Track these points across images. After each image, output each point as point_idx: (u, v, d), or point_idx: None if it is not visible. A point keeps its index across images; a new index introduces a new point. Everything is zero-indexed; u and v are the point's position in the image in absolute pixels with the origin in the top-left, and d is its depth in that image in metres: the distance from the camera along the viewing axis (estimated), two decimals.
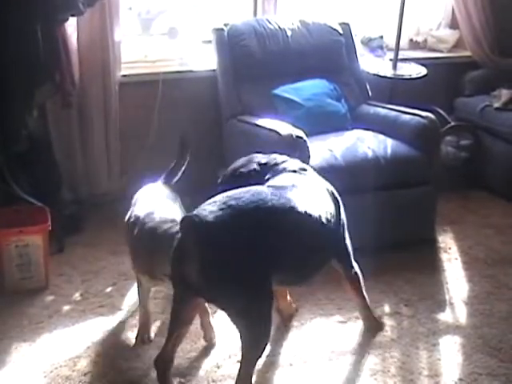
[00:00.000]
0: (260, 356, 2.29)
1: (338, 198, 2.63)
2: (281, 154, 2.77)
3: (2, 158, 3.21)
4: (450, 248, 3.51)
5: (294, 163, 2.69)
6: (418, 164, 3.45)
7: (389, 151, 3.40)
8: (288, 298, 2.86)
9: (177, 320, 2.31)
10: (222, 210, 2.18)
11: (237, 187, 2.37)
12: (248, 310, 2.20)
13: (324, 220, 2.43)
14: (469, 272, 3.29)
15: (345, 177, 3.21)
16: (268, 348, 2.62)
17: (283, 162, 2.69)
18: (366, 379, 2.50)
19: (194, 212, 2.20)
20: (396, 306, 2.97)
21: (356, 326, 2.81)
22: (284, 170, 2.63)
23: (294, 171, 2.62)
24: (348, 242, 2.66)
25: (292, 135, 3.15)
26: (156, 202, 2.62)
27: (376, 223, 3.20)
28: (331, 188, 2.65)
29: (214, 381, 2.46)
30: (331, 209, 2.54)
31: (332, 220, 2.50)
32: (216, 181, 2.79)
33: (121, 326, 2.77)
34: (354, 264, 2.70)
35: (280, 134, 3.17)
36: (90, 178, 3.76)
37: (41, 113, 3.40)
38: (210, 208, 2.20)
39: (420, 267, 3.30)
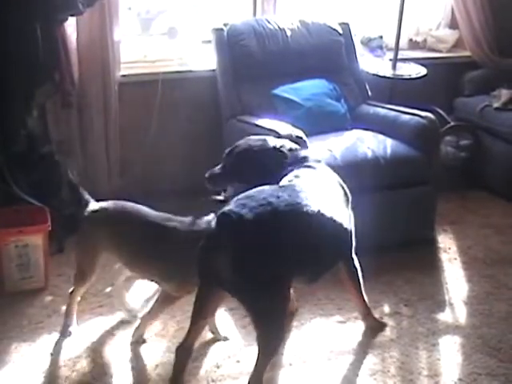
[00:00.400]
0: (275, 356, 2.33)
1: (348, 193, 2.66)
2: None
3: (1, 158, 3.21)
4: (449, 248, 3.52)
5: (308, 154, 2.70)
6: (417, 164, 3.45)
7: (388, 151, 3.40)
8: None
9: (200, 311, 2.34)
10: (261, 207, 2.21)
11: (249, 165, 2.46)
12: (270, 309, 2.23)
13: (341, 221, 2.47)
14: (468, 272, 3.29)
15: (344, 177, 3.20)
16: None
17: (297, 150, 2.69)
18: (365, 379, 2.50)
19: (231, 207, 2.22)
20: (396, 305, 2.97)
21: (355, 326, 2.81)
22: (302, 162, 2.63)
23: (310, 166, 2.62)
24: (353, 237, 2.67)
25: (292, 135, 3.14)
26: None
27: (375, 223, 3.20)
28: (342, 183, 2.67)
29: (213, 381, 2.46)
30: (345, 207, 2.58)
31: (345, 218, 2.53)
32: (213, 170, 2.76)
33: (120, 326, 2.77)
34: (355, 258, 2.70)
35: (280, 134, 3.16)
36: (89, 177, 3.75)
37: (40, 113, 3.40)
38: (248, 204, 2.21)
39: (420, 267, 3.30)
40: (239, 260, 2.17)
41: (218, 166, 2.73)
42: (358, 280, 2.72)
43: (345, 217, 2.53)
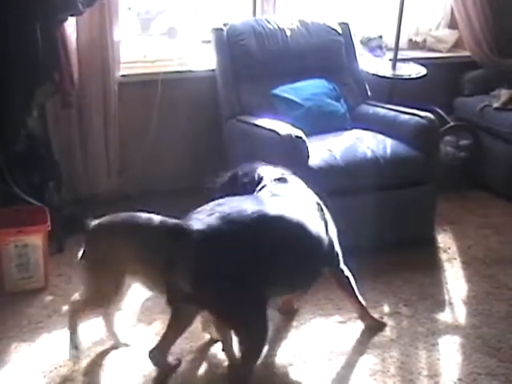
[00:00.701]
0: (257, 361, 2.32)
1: (324, 208, 2.61)
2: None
3: (1, 157, 3.21)
4: (449, 248, 3.52)
5: (278, 173, 2.68)
6: (417, 164, 3.44)
7: (388, 151, 3.40)
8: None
9: (172, 325, 2.38)
10: (216, 219, 2.18)
11: (234, 195, 2.39)
12: (243, 321, 2.24)
13: (313, 229, 2.43)
14: (468, 272, 3.29)
15: (344, 177, 3.21)
16: (268, 348, 2.63)
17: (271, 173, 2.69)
18: (365, 379, 2.50)
19: (186, 220, 2.20)
20: (395, 305, 2.97)
21: (355, 326, 2.81)
22: (271, 180, 2.62)
23: (280, 180, 2.62)
24: (338, 248, 2.64)
25: (291, 135, 3.15)
26: None
27: (375, 223, 3.21)
28: (316, 198, 2.63)
29: (214, 380, 2.46)
30: (319, 219, 2.52)
31: (321, 230, 2.49)
32: (215, 181, 2.78)
33: (120, 326, 2.77)
34: (344, 268, 2.70)
35: (279, 134, 3.17)
36: (89, 177, 3.76)
37: (40, 113, 3.40)
38: (202, 217, 2.20)
39: (419, 267, 3.30)
40: (198, 275, 2.16)
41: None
42: (352, 288, 2.73)
43: (318, 226, 2.47)
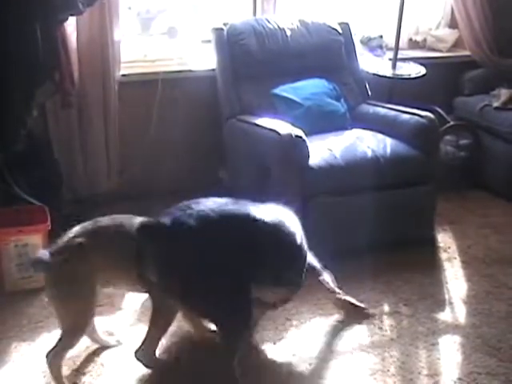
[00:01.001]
0: (235, 347, 2.35)
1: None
2: None
3: (1, 157, 3.21)
4: (449, 247, 3.52)
5: None
6: (417, 163, 3.44)
7: (388, 150, 3.40)
8: None
9: (154, 321, 2.42)
10: (181, 215, 2.24)
11: None
12: (218, 316, 2.30)
13: (294, 234, 2.46)
14: (468, 271, 3.29)
15: (344, 176, 3.21)
16: (268, 348, 2.63)
17: None
18: (365, 379, 2.50)
19: (153, 218, 2.26)
20: (395, 305, 2.97)
21: (355, 326, 2.81)
22: None
23: None
24: (311, 257, 2.64)
25: (291, 135, 3.15)
26: None
27: (375, 223, 3.21)
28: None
29: (211, 380, 2.46)
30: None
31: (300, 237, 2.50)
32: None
33: (120, 326, 2.77)
34: (320, 271, 2.72)
35: (279, 134, 3.17)
36: (89, 177, 3.76)
37: (40, 112, 3.40)
38: (169, 214, 2.25)
39: (419, 267, 3.30)
40: (164, 271, 2.21)
41: None
42: (329, 284, 2.77)
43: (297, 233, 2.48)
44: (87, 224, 2.48)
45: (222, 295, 2.28)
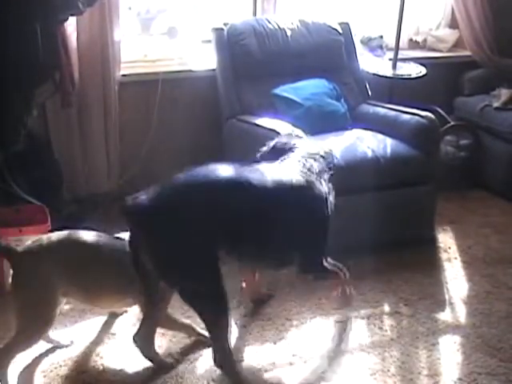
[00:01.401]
0: (224, 331, 2.35)
1: (320, 199, 2.55)
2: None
3: (1, 157, 3.21)
4: (449, 247, 3.51)
5: (315, 150, 2.69)
6: (417, 163, 3.44)
7: (388, 151, 3.40)
8: (256, 280, 2.93)
9: (148, 305, 2.42)
10: (156, 191, 2.27)
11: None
12: (198, 289, 2.28)
13: (283, 209, 2.38)
14: (468, 271, 3.29)
15: (344, 176, 3.20)
16: (268, 347, 2.63)
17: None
18: (365, 378, 2.50)
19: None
20: (396, 305, 2.97)
21: (356, 326, 2.81)
22: (301, 155, 2.63)
23: (309, 157, 2.62)
24: (317, 243, 2.57)
25: (291, 135, 3.14)
26: None
27: (375, 223, 3.20)
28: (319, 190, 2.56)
29: (213, 380, 2.46)
30: (295, 202, 2.45)
31: (294, 214, 2.43)
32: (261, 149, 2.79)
33: (120, 326, 2.77)
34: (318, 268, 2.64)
35: (279, 134, 3.16)
36: (89, 177, 3.76)
37: (40, 112, 3.40)
38: (145, 192, 2.27)
39: (419, 267, 3.30)
40: (149, 247, 2.23)
41: None
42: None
43: (292, 208, 2.42)
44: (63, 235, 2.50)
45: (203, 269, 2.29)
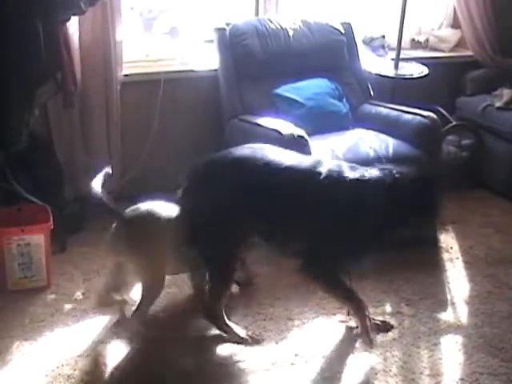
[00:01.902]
0: (220, 292, 2.60)
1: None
2: None
3: (3, 157, 3.21)
4: (451, 247, 3.51)
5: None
6: (419, 163, 3.44)
7: (390, 151, 3.40)
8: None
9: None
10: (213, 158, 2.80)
11: None
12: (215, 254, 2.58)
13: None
14: (470, 271, 3.29)
15: None
16: (269, 347, 2.63)
17: None
18: (367, 378, 2.50)
19: None
20: (397, 305, 2.97)
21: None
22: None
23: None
24: (331, 246, 2.58)
25: (293, 134, 3.15)
26: None
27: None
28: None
29: (213, 380, 2.46)
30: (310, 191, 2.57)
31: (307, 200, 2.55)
32: None
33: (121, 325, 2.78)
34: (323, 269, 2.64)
35: (281, 134, 3.17)
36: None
37: (42, 112, 3.41)
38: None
39: (421, 267, 3.30)
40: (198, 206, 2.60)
41: None
42: None
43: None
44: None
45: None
